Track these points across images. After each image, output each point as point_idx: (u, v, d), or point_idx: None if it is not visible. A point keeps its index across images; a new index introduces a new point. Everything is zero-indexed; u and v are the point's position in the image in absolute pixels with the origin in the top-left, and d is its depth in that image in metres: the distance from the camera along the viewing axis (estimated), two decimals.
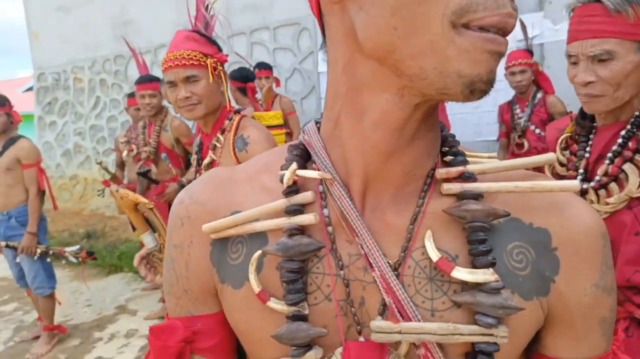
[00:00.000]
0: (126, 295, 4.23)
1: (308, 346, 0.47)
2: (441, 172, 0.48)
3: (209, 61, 1.60)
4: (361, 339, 0.47)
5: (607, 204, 1.08)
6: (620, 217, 1.07)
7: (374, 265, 0.46)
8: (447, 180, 0.49)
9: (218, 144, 1.64)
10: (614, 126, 1.12)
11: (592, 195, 1.11)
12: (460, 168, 0.48)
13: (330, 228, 0.49)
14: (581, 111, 1.19)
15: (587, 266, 0.48)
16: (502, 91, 3.50)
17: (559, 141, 1.23)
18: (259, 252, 0.49)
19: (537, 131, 3.08)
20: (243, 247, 0.52)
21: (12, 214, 3.18)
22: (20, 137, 3.21)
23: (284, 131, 2.15)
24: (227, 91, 1.68)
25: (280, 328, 0.47)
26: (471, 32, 0.38)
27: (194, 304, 0.55)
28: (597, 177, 1.10)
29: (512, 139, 3.22)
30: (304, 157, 0.52)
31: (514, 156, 3.23)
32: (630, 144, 1.08)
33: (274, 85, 3.73)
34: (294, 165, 0.50)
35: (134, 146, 3.43)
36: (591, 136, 1.17)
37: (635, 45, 1.03)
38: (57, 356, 3.23)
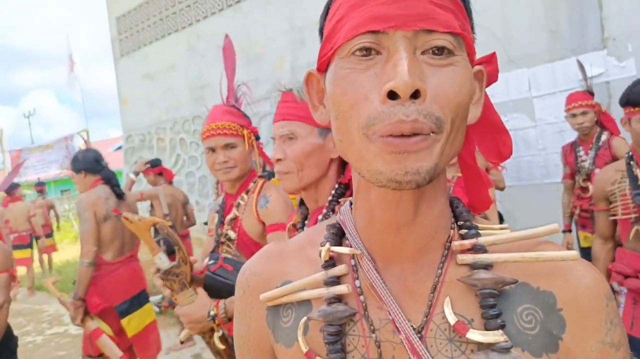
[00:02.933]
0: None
1: None
2: (456, 244, 0.56)
3: (245, 132, 1.86)
4: None
5: None
6: None
7: (400, 329, 0.54)
8: (462, 251, 0.57)
9: (242, 202, 1.85)
10: (317, 211, 1.19)
11: None
12: (473, 241, 0.56)
13: (362, 297, 0.58)
14: (300, 199, 1.26)
15: (591, 324, 0.53)
16: (569, 131, 3.43)
17: (287, 229, 1.29)
18: (305, 318, 0.59)
19: None
20: (292, 312, 0.62)
21: None
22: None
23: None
24: (258, 158, 1.93)
25: None
26: (377, 139, 0.48)
27: None
28: None
29: (576, 181, 3.12)
30: (339, 235, 0.62)
31: (579, 199, 3.11)
32: None
33: None
34: (327, 244, 0.60)
35: None
36: (306, 222, 1.22)
37: (317, 130, 1.14)
38: None
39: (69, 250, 11.34)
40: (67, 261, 9.90)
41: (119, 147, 9.12)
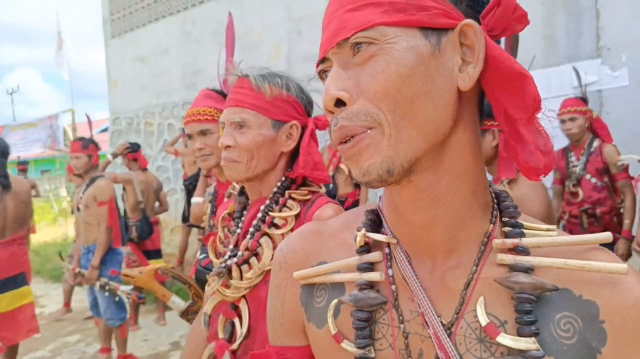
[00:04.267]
0: (181, 331, 4.38)
1: None
2: (497, 242, 0.54)
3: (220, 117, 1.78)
4: None
5: (248, 279, 1.07)
6: (258, 292, 1.07)
7: (429, 324, 0.53)
8: (502, 250, 0.54)
9: (234, 192, 1.78)
10: (258, 202, 1.17)
11: (235, 271, 1.09)
12: (516, 241, 0.53)
13: (393, 286, 0.57)
14: (241, 187, 1.25)
15: (635, 341, 0.49)
16: (559, 137, 3.47)
17: (220, 218, 1.25)
18: (336, 301, 0.59)
19: (593, 180, 3.01)
20: (325, 293, 0.62)
21: (91, 249, 3.47)
22: (99, 176, 3.52)
23: None
24: None
25: None
26: (338, 149, 0.53)
27: (286, 336, 0.66)
28: (240, 253, 1.11)
29: (566, 187, 3.16)
30: (377, 222, 0.61)
31: (568, 204, 3.16)
32: (267, 218, 1.12)
33: None
34: (364, 230, 0.59)
35: None
36: (245, 212, 1.20)
37: (270, 122, 1.11)
38: None
39: (47, 231, 11.14)
40: (44, 243, 9.72)
41: (105, 129, 8.95)
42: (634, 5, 3.51)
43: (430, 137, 0.51)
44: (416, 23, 0.50)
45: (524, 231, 0.55)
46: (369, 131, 0.49)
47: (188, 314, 1.67)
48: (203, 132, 1.75)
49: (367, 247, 0.60)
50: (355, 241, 0.60)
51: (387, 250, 0.59)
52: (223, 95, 1.83)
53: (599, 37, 3.72)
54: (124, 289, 3.29)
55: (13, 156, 9.07)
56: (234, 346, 1.07)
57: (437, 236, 0.55)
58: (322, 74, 0.57)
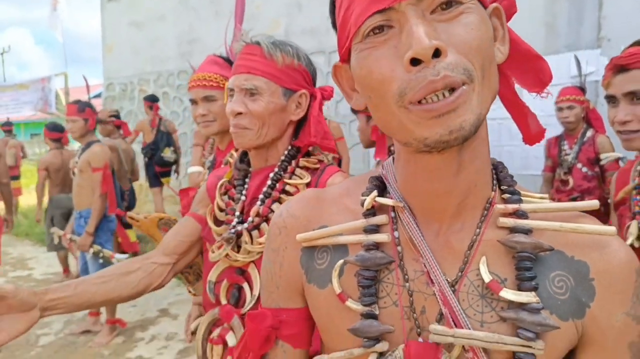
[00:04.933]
0: (169, 299, 4.43)
1: (377, 340, 0.57)
2: (499, 207, 0.58)
3: (225, 83, 1.71)
4: (420, 340, 0.57)
5: (260, 244, 1.09)
6: None
7: (434, 281, 0.56)
8: (504, 214, 0.58)
9: (231, 159, 1.76)
10: (264, 169, 1.17)
11: (246, 236, 1.11)
12: (516, 206, 0.58)
13: (399, 247, 0.60)
14: (240, 155, 1.26)
15: (620, 296, 0.56)
16: (553, 126, 3.50)
17: (218, 186, 1.24)
18: (342, 261, 0.61)
19: (584, 169, 3.06)
20: (328, 255, 0.64)
21: (83, 214, 3.45)
22: (95, 141, 3.49)
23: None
24: None
25: (355, 323, 0.58)
26: (413, 108, 0.50)
27: (282, 298, 0.68)
28: (250, 219, 1.13)
29: (557, 174, 3.21)
30: (381, 187, 0.64)
31: (558, 192, 3.21)
32: (277, 185, 1.14)
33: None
34: (375, 192, 0.61)
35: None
36: (247, 180, 1.21)
37: (281, 90, 1.12)
38: (102, 351, 3.45)
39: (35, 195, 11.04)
40: (33, 205, 9.66)
41: (97, 95, 8.83)
42: None
43: (493, 100, 0.54)
44: None
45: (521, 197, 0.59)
46: (464, 86, 0.49)
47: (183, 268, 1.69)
48: (207, 99, 1.73)
49: (372, 211, 0.62)
50: (362, 205, 0.62)
51: (392, 214, 0.62)
52: (229, 62, 1.80)
53: (600, 28, 3.74)
54: (119, 258, 3.29)
55: (2, 116, 8.92)
56: (244, 310, 1.09)
57: (450, 202, 0.58)
58: (372, 31, 0.53)
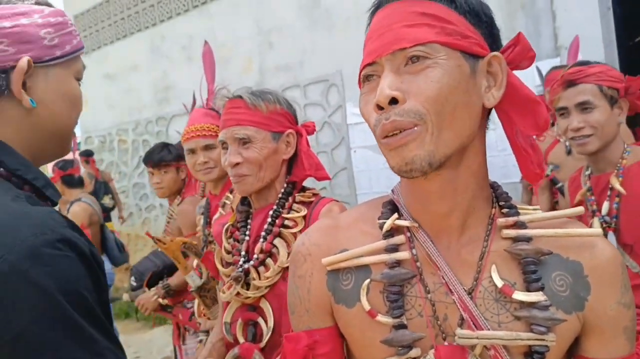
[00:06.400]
0: (171, 346, 4.37)
1: (409, 347, 0.64)
2: (501, 221, 0.67)
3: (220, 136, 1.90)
4: (445, 344, 0.64)
5: (267, 278, 1.16)
6: (278, 289, 1.17)
7: (453, 291, 0.64)
8: (506, 227, 0.67)
9: (227, 202, 1.89)
10: (265, 208, 1.27)
11: (253, 273, 1.18)
12: (515, 218, 0.67)
13: (418, 263, 0.67)
14: (241, 198, 1.34)
15: (611, 288, 0.65)
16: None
17: (224, 230, 1.33)
18: (368, 280, 0.68)
19: None
20: (352, 276, 0.70)
21: None
22: (76, 200, 3.47)
23: None
24: None
25: (387, 335, 0.65)
26: (381, 142, 0.63)
27: (313, 320, 0.74)
28: (255, 256, 1.21)
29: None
30: (394, 211, 0.71)
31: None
32: (277, 221, 1.23)
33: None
34: (395, 215, 0.69)
35: None
36: (249, 221, 1.29)
37: (270, 135, 1.23)
38: None
39: None
40: None
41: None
42: (584, 7, 3.76)
43: (463, 140, 0.63)
44: (460, 47, 0.62)
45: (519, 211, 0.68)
46: (415, 128, 0.59)
47: (202, 291, 1.74)
48: (207, 147, 1.88)
49: (390, 233, 0.69)
50: (381, 227, 0.70)
51: (408, 234, 0.69)
52: (218, 113, 1.94)
53: (557, 37, 3.96)
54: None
55: None
56: (262, 344, 1.14)
57: (454, 221, 0.67)
58: (366, 78, 0.66)
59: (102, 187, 6.16)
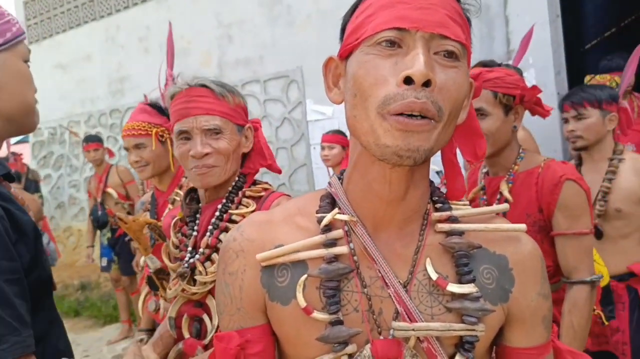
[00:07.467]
0: (123, 344, 4.27)
1: (345, 344, 0.64)
2: (436, 215, 0.69)
3: (154, 130, 1.89)
4: (381, 338, 0.65)
5: (213, 273, 1.13)
6: None
7: (389, 284, 0.65)
8: (440, 221, 0.69)
9: (177, 198, 1.85)
10: (214, 202, 1.24)
11: (199, 267, 1.16)
12: (448, 213, 0.69)
13: (355, 257, 0.67)
14: (187, 193, 1.32)
15: (532, 280, 0.69)
16: None
17: (172, 224, 1.31)
18: (305, 276, 0.66)
19: None
20: (288, 272, 0.69)
21: None
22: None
23: None
24: (171, 155, 1.94)
25: (323, 332, 0.64)
26: (389, 117, 0.58)
27: (245, 319, 0.71)
28: (201, 250, 1.18)
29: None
30: (332, 204, 0.71)
31: None
32: (225, 216, 1.20)
33: (106, 156, 4.55)
34: (336, 209, 0.69)
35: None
36: (198, 216, 1.27)
37: (235, 127, 1.23)
38: None
39: None
40: None
41: (20, 141, 8.40)
42: (534, 13, 3.92)
43: (447, 141, 0.65)
44: (469, 60, 0.65)
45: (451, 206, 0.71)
46: (432, 121, 0.58)
47: (159, 274, 1.70)
48: (137, 146, 1.87)
49: (328, 227, 0.68)
50: (319, 222, 0.68)
51: (346, 228, 0.69)
52: (158, 108, 1.93)
53: (509, 42, 4.11)
54: None
55: None
56: (206, 341, 1.13)
57: (399, 215, 0.67)
58: (385, 42, 0.60)
59: (32, 186, 6.02)
